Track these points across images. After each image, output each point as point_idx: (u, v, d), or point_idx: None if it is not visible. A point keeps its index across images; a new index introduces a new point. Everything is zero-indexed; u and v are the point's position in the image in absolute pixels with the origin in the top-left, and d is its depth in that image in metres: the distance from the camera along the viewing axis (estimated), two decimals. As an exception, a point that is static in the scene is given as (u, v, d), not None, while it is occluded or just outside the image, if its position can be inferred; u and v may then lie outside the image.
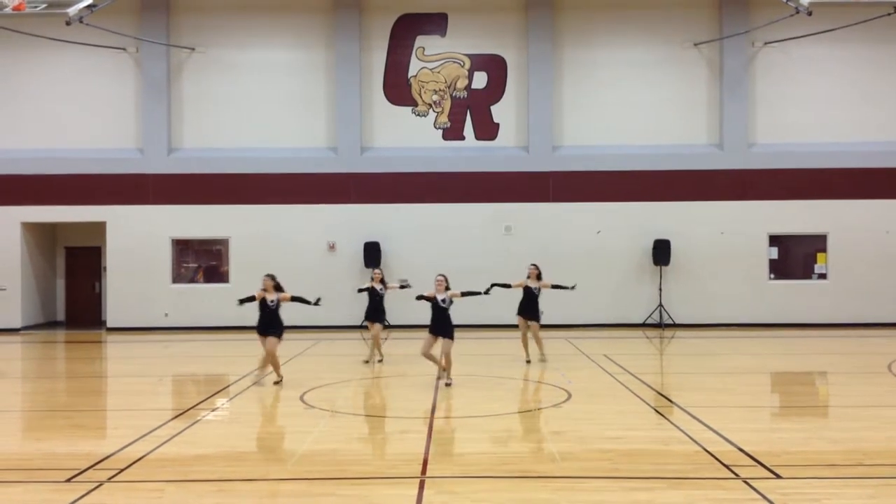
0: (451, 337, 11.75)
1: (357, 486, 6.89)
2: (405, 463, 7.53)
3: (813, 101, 20.57)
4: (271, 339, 11.84)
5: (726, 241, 20.35)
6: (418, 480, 6.92)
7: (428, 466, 7.39)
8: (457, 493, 6.63)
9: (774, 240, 20.63)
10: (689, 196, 20.43)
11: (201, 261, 21.50)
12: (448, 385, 11.68)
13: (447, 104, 20.88)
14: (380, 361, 14.19)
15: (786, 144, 20.56)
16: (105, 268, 21.19)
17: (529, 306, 14.07)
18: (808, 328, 19.96)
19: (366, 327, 14.42)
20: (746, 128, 20.52)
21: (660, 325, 20.10)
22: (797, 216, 20.42)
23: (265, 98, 20.78)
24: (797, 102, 20.58)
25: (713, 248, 20.35)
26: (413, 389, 11.81)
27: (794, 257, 20.90)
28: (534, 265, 14.37)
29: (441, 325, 11.75)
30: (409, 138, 20.76)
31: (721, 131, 20.58)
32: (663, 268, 20.17)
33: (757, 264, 20.45)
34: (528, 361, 14.00)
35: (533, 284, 14.10)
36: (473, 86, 20.87)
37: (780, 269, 20.71)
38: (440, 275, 12.11)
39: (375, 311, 14.13)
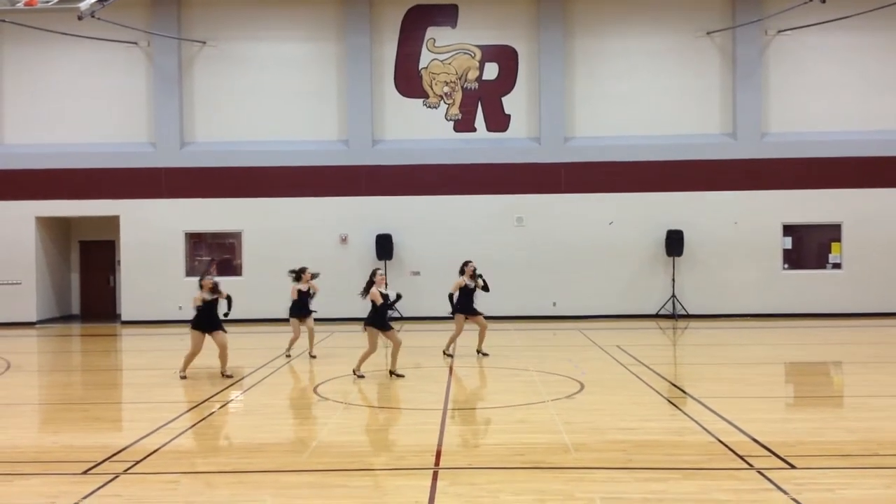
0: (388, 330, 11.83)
1: (371, 477, 6.91)
2: (419, 454, 7.54)
3: (827, 89, 20.41)
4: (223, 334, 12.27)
5: (740, 231, 20.25)
6: (432, 472, 6.94)
7: (441, 458, 7.40)
8: (470, 484, 6.63)
9: (788, 229, 20.51)
10: (702, 186, 20.32)
11: (214, 254, 21.59)
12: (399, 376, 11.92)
13: (458, 96, 20.84)
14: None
15: (799, 133, 20.41)
16: (119, 261, 21.31)
17: (470, 303, 13.84)
18: (823, 318, 19.84)
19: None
20: (760, 117, 20.38)
21: (673, 316, 20.03)
22: (811, 206, 20.28)
23: (276, 91, 20.80)
24: (811, 91, 20.43)
25: (727, 239, 20.26)
26: (426, 381, 11.83)
27: (809, 247, 20.78)
28: (470, 261, 13.92)
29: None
30: (421, 130, 20.75)
31: (734, 121, 20.45)
32: (676, 258, 20.09)
33: (771, 254, 20.34)
34: (451, 356, 13.89)
35: (471, 283, 13.80)
36: (484, 77, 20.82)
37: (794, 258, 20.59)
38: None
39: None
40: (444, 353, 14.05)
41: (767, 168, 20.27)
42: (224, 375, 12.23)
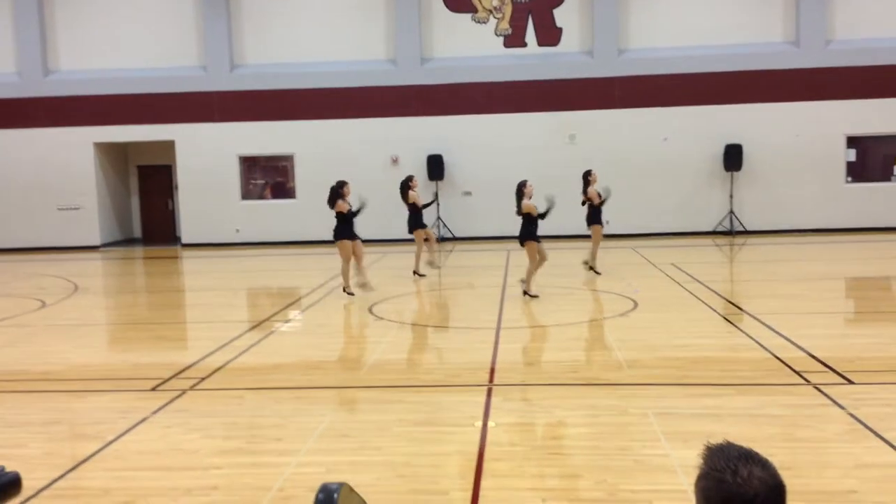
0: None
1: (426, 393, 7.08)
2: (473, 372, 7.68)
3: (898, -9, 19.30)
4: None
5: (801, 143, 19.59)
6: (486, 388, 7.07)
7: (495, 375, 7.52)
8: (524, 400, 6.75)
9: (852, 141, 19.75)
10: (763, 98, 19.61)
11: (268, 177, 21.83)
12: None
13: (508, 9, 20.29)
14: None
15: (866, 40, 19.39)
16: (176, 186, 21.69)
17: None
18: (887, 232, 19.27)
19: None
20: (824, 23, 19.42)
21: (730, 233, 19.69)
22: (877, 116, 19.42)
23: (324, 10, 20.50)
24: (880, -7, 19.34)
25: (788, 152, 19.64)
26: (480, 300, 11.94)
27: (873, 159, 20.04)
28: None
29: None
30: (470, 47, 20.31)
31: (797, 27, 19.54)
32: (734, 173, 19.60)
33: (833, 167, 19.68)
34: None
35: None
36: (535, -11, 20.19)
37: (857, 171, 19.90)
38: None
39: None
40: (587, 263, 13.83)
41: (831, 77, 19.41)
42: (364, 286, 12.14)
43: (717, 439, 1.86)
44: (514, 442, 5.78)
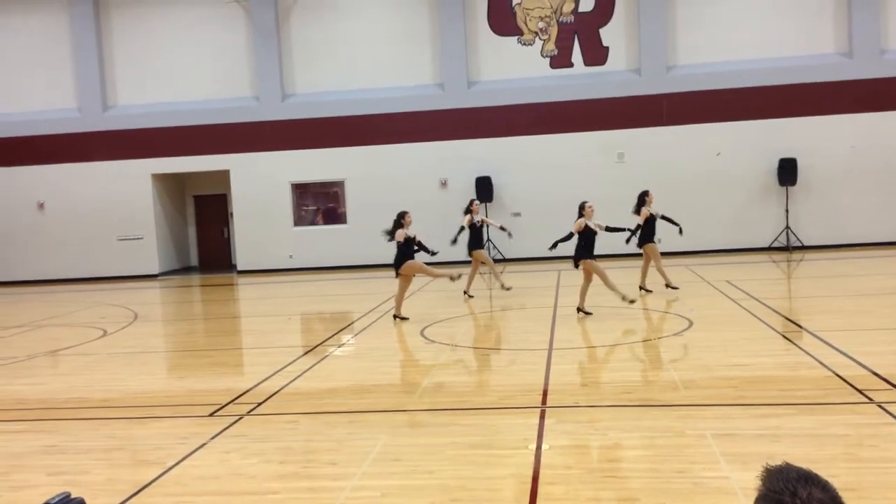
0: None
1: (480, 416, 7.06)
2: (525, 393, 7.64)
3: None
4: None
5: (859, 155, 19.13)
6: (539, 410, 7.02)
7: (548, 397, 7.46)
8: (578, 422, 6.68)
9: (912, 152, 19.24)
10: (817, 111, 19.23)
11: (320, 203, 22.14)
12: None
13: (553, 31, 20.33)
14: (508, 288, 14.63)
15: (924, 47, 18.96)
16: (231, 214, 22.13)
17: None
18: (952, 245, 18.67)
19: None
20: (878, 32, 19.02)
21: (787, 248, 19.28)
22: (938, 125, 18.91)
23: (370, 37, 20.83)
24: (937, 0, 18.88)
25: (844, 164, 19.19)
26: (531, 321, 11.88)
27: (936, 169, 19.46)
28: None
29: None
30: (516, 69, 20.39)
31: (850, 38, 19.16)
32: (790, 188, 19.22)
33: (893, 178, 19.17)
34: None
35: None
36: (580, 9, 20.21)
37: (919, 182, 19.35)
38: None
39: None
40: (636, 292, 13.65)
41: (887, 87, 18.95)
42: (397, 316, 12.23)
43: (777, 460, 1.84)
44: (569, 465, 5.73)
